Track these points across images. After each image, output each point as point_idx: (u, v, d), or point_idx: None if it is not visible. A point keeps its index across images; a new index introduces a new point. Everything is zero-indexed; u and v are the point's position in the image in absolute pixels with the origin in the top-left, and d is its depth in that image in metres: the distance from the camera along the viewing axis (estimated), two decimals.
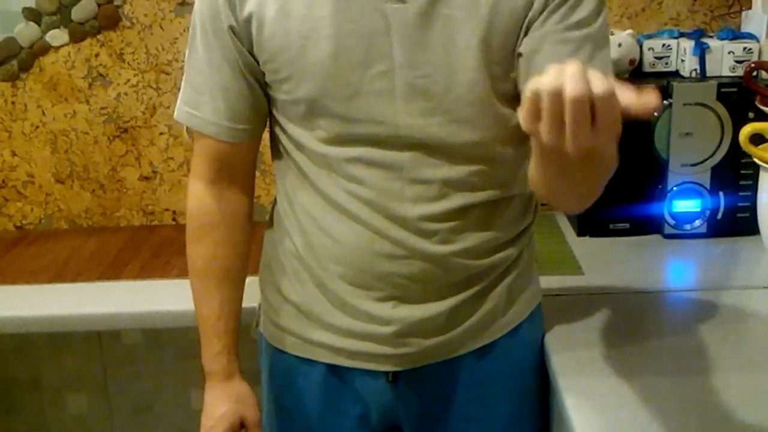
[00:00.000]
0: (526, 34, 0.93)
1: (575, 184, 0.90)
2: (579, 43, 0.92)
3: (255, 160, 1.11)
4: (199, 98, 1.02)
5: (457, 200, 0.99)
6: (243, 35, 0.97)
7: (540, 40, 0.92)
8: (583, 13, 0.92)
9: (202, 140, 1.06)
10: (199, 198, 1.09)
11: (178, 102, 1.06)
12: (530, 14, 0.92)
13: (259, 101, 1.02)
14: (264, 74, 0.99)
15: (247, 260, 1.14)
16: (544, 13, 0.92)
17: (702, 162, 1.47)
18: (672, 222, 1.50)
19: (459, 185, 0.99)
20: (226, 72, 1.00)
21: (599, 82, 0.64)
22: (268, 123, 1.07)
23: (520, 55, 0.94)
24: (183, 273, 1.57)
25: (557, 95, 0.64)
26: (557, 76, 0.65)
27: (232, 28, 0.97)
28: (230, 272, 1.11)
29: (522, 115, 0.68)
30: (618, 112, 0.66)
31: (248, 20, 0.96)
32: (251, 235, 1.13)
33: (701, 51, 1.49)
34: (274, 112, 1.04)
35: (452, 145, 0.97)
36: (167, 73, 1.77)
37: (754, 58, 1.49)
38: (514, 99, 0.97)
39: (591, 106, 0.65)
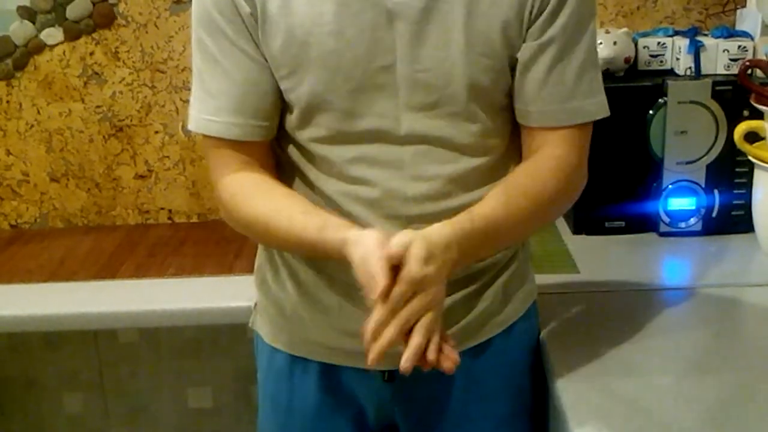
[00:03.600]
0: (524, 39, 0.96)
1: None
2: (560, 56, 0.97)
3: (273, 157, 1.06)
4: (218, 103, 0.97)
5: (458, 199, 0.99)
6: (256, 23, 0.95)
7: (523, 51, 0.96)
8: (557, 29, 0.95)
9: (222, 147, 1.00)
10: (229, 185, 1.00)
11: (193, 112, 1.00)
12: (524, 21, 0.95)
13: (278, 95, 0.99)
14: None
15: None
16: (533, 26, 0.95)
17: (697, 160, 1.47)
18: (667, 220, 1.51)
19: (462, 182, 0.99)
20: (247, 66, 0.96)
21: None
22: None
23: (516, 60, 0.97)
24: (179, 272, 1.58)
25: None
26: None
27: (253, 15, 0.94)
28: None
29: None
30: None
31: (254, 9, 0.94)
32: None
33: (696, 49, 1.50)
34: None
35: (454, 140, 0.97)
36: (162, 72, 1.77)
37: (749, 56, 1.49)
38: (510, 95, 1.00)
39: None
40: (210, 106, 0.98)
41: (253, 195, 0.99)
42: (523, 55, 0.96)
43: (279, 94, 0.99)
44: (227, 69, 0.97)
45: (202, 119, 0.99)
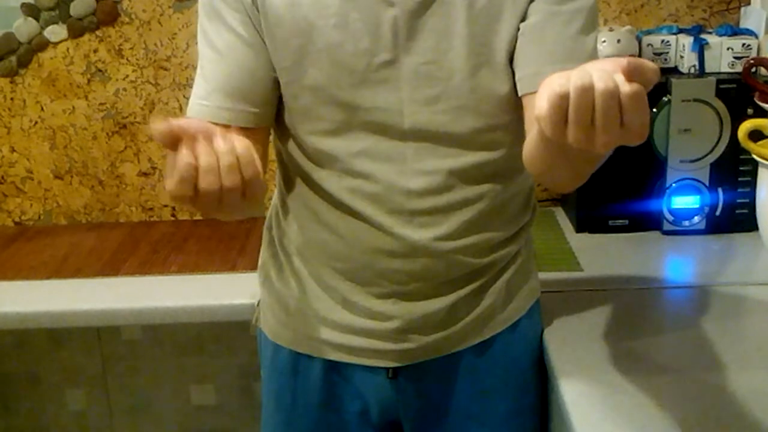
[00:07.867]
0: (524, 19, 0.94)
1: (575, 166, 0.91)
2: (570, 16, 0.93)
3: (267, 150, 1.05)
4: (210, 86, 0.97)
5: (461, 193, 0.99)
6: (258, 12, 0.95)
7: (533, 13, 0.93)
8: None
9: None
10: None
11: (191, 98, 1.00)
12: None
13: (274, 84, 0.98)
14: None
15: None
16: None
17: (701, 158, 1.47)
18: (671, 218, 1.51)
19: (464, 176, 0.99)
20: (242, 50, 0.96)
21: (626, 82, 0.66)
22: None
23: (518, 29, 0.94)
24: (182, 269, 1.58)
25: (586, 91, 0.65)
26: (582, 74, 0.66)
27: (255, 2, 0.94)
28: None
29: (546, 121, 0.68)
30: (647, 109, 0.67)
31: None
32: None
33: (700, 47, 1.49)
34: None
35: (456, 134, 0.97)
36: (166, 69, 1.77)
37: (753, 54, 1.49)
38: (515, 84, 0.98)
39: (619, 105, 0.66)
40: (203, 90, 0.98)
41: None
42: (528, 20, 0.93)
43: (274, 83, 0.98)
44: (222, 52, 0.96)
45: (195, 103, 0.98)
